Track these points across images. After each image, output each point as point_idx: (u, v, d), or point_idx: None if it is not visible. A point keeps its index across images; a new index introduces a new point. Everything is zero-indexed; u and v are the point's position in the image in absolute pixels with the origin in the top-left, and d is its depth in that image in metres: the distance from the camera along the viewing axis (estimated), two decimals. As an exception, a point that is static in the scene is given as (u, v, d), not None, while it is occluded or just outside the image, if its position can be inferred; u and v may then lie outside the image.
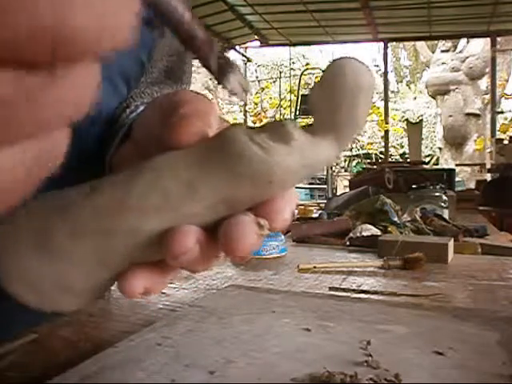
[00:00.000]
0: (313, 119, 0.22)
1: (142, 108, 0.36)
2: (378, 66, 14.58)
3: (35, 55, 0.12)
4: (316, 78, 9.82)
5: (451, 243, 0.90)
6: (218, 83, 0.21)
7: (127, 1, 0.15)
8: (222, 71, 0.20)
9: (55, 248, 0.22)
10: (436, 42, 9.52)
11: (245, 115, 9.46)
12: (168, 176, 0.22)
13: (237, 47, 7.63)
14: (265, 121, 10.13)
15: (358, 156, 10.06)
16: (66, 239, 0.22)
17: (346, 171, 8.13)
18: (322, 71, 0.22)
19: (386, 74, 7.75)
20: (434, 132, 11.84)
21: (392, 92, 13.85)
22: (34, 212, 0.23)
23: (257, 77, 12.83)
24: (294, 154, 0.21)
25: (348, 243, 1.06)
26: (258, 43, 7.64)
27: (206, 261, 0.23)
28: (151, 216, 0.22)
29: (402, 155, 10.65)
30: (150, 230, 0.22)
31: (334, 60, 0.21)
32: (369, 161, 8.39)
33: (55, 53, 0.13)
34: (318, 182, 6.15)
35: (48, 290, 0.23)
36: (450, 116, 9.25)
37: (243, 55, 8.19)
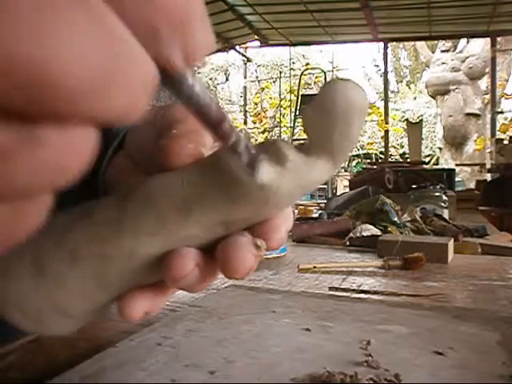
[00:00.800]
0: (307, 139, 0.22)
1: None
2: (378, 65, 14.59)
3: (3, 97, 0.10)
4: (316, 77, 9.83)
5: (451, 243, 0.90)
6: (252, 174, 0.20)
7: (140, 53, 0.12)
8: (252, 162, 0.20)
9: (52, 274, 0.22)
10: (436, 41, 9.53)
11: (245, 115, 9.46)
12: (162, 201, 0.22)
13: (237, 47, 7.63)
14: (264, 121, 10.14)
15: (358, 156, 10.06)
16: (62, 265, 0.22)
17: (346, 171, 8.13)
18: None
19: (385, 73, 7.76)
20: (434, 132, 11.84)
21: (392, 92, 13.85)
22: (28, 238, 0.23)
23: (257, 77, 12.83)
24: (288, 176, 0.21)
25: (348, 243, 1.06)
26: (258, 43, 7.64)
27: (204, 281, 0.23)
28: (147, 240, 0.22)
29: (402, 155, 10.65)
30: (147, 253, 0.22)
31: (328, 81, 0.21)
32: (369, 161, 8.39)
33: (30, 98, 0.10)
34: (318, 181, 6.13)
35: (45, 315, 0.23)
36: (450, 116, 9.25)
37: (243, 55, 8.20)
